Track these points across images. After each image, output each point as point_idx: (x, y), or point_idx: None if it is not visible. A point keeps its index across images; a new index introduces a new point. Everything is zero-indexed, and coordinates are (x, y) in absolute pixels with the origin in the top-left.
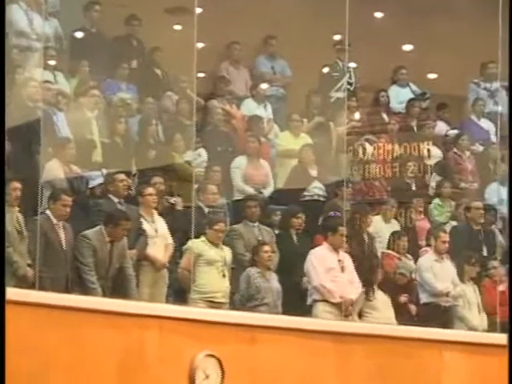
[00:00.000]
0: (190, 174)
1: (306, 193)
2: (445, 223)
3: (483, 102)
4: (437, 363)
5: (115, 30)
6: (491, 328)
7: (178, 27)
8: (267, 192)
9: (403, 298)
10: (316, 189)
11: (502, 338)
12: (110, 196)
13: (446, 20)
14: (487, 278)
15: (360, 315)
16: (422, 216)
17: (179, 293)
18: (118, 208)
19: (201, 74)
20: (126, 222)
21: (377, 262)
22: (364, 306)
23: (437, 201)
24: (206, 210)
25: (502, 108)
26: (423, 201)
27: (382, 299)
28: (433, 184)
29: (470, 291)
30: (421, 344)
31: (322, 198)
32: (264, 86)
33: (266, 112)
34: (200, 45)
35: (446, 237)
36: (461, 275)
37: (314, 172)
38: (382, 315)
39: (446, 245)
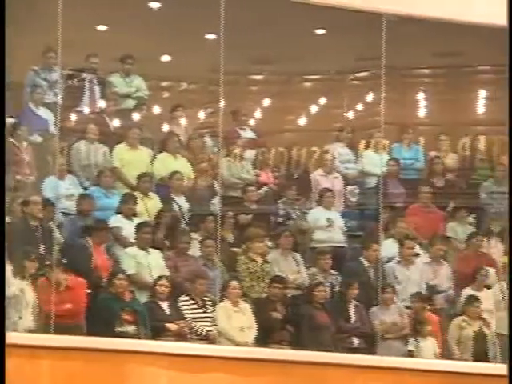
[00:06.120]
0: None
1: None
2: None
3: (42, 90)
4: None
5: None
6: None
7: None
8: None
9: None
10: None
11: (54, 340)
12: None
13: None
14: (43, 277)
15: None
16: None
17: None
18: None
19: None
20: None
21: None
22: None
23: None
24: None
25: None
26: None
27: None
28: None
29: (29, 290)
30: None
31: None
32: None
33: None
34: None
35: None
36: (21, 273)
37: None
38: None
39: None
